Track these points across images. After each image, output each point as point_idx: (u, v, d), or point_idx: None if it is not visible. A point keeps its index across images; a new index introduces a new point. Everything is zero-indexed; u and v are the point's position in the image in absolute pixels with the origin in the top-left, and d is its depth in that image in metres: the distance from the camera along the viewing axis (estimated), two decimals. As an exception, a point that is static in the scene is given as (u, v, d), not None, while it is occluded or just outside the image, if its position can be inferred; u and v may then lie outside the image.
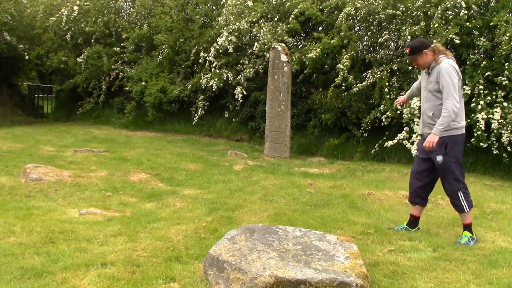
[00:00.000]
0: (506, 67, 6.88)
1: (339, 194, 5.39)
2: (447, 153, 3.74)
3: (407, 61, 7.35)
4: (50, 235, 3.51)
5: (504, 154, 6.90)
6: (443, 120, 3.65)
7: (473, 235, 3.85)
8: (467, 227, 3.89)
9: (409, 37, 7.77)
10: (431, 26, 7.42)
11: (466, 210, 3.83)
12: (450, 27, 7.23)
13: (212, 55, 10.09)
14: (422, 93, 3.96)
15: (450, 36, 7.13)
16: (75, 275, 2.80)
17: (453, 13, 7.33)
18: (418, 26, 7.70)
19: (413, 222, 4.13)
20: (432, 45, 3.87)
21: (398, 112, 7.79)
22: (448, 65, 3.71)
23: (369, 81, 8.32)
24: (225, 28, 9.95)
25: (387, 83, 8.10)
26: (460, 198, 3.80)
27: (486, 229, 4.24)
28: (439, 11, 7.35)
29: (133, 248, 3.31)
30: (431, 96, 3.82)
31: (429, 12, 7.52)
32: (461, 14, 7.18)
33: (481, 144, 6.92)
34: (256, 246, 2.93)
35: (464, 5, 7.19)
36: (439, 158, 3.76)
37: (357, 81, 8.43)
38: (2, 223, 3.74)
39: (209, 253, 2.87)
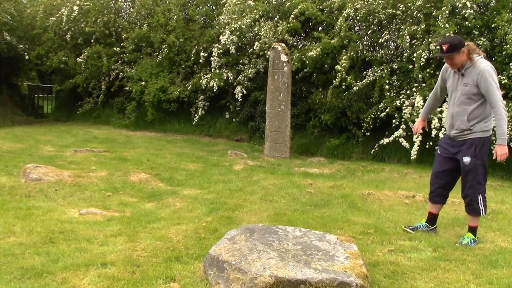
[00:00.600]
0: (510, 66, 6.87)
1: (339, 194, 5.39)
2: (476, 155, 3.66)
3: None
4: (50, 235, 3.51)
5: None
6: (503, 127, 3.54)
7: (475, 238, 3.83)
8: (473, 230, 3.84)
9: (407, 36, 7.77)
10: (436, 24, 7.39)
11: (482, 214, 3.76)
12: (448, 26, 7.23)
13: (216, 55, 10.08)
14: (453, 95, 3.77)
15: (449, 33, 7.12)
16: (75, 275, 2.80)
17: (457, 11, 7.33)
18: (418, 26, 7.69)
19: (433, 220, 4.09)
20: (466, 43, 3.66)
21: (402, 109, 7.78)
22: (488, 67, 3.57)
23: (369, 79, 8.32)
24: (227, 27, 9.95)
25: (387, 81, 8.11)
26: (479, 201, 3.72)
27: (486, 229, 4.23)
28: (444, 11, 7.32)
29: (133, 248, 3.31)
30: (465, 99, 3.65)
31: (433, 13, 7.51)
32: (467, 14, 7.16)
33: None
34: (256, 246, 2.93)
35: (469, 5, 7.18)
36: (467, 159, 3.68)
37: (357, 81, 8.44)
38: (2, 223, 3.74)
39: (209, 253, 2.87)
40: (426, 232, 4.04)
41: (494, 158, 3.65)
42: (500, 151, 3.59)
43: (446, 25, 7.24)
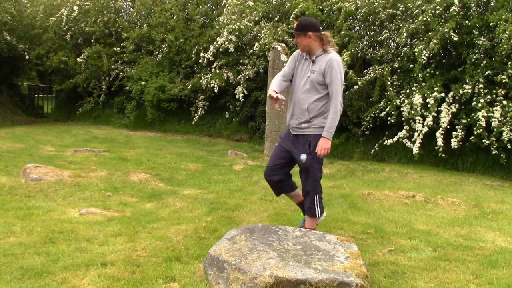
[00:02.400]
0: (510, 65, 6.88)
1: (339, 194, 5.39)
2: (311, 153, 3.43)
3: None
4: (50, 235, 3.51)
5: (502, 155, 6.90)
6: (333, 122, 3.36)
7: None
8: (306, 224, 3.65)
9: (405, 33, 7.78)
10: (426, 19, 7.40)
11: (318, 216, 3.55)
12: (448, 24, 7.24)
13: (211, 54, 10.10)
14: (298, 81, 3.53)
15: (446, 31, 7.13)
16: (75, 275, 2.80)
17: (453, 9, 7.34)
18: (415, 23, 7.69)
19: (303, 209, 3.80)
20: (322, 33, 3.45)
21: (400, 109, 7.79)
22: (339, 59, 3.40)
23: (370, 76, 8.33)
24: (225, 27, 9.95)
25: (389, 77, 8.11)
26: (316, 202, 3.51)
27: (486, 229, 4.24)
28: (431, 6, 7.35)
29: (133, 248, 3.31)
30: (309, 87, 3.43)
31: (423, 7, 7.53)
32: (451, 10, 7.19)
33: (483, 141, 6.91)
34: (256, 246, 2.93)
35: (456, 2, 7.20)
36: (303, 157, 3.45)
37: (358, 79, 8.44)
38: (2, 223, 3.74)
39: (209, 253, 2.87)
40: (426, 232, 4.04)
41: (315, 151, 3.40)
42: (322, 145, 3.36)
43: (446, 24, 7.25)
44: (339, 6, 8.77)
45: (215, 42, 10.07)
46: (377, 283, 2.92)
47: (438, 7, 7.34)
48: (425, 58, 7.53)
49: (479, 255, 3.50)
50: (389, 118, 7.92)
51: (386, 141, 7.94)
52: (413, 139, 7.50)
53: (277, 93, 3.41)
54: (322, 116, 3.44)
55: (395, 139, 7.77)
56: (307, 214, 3.62)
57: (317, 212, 3.53)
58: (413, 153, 7.35)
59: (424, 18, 7.38)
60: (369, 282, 2.73)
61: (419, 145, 7.32)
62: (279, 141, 3.76)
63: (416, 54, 7.50)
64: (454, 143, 7.04)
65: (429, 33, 7.52)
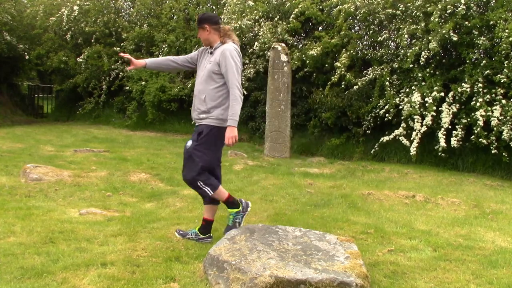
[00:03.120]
0: (506, 65, 6.88)
1: (339, 194, 5.39)
2: (198, 141, 3.46)
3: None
4: (50, 235, 3.51)
5: (504, 153, 6.90)
6: (234, 109, 3.35)
7: (210, 235, 3.61)
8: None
9: (406, 35, 7.78)
10: (431, 20, 7.41)
11: (210, 193, 3.47)
12: (447, 25, 7.24)
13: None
14: (198, 73, 3.61)
15: (445, 31, 7.13)
16: (75, 275, 2.80)
17: (451, 9, 7.34)
18: (418, 26, 7.71)
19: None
20: (221, 26, 3.55)
21: (399, 107, 7.80)
22: (233, 48, 3.45)
23: (369, 77, 8.34)
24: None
25: (388, 78, 8.12)
26: (200, 184, 3.45)
27: (486, 229, 4.24)
28: (439, 7, 7.34)
29: (133, 248, 3.31)
30: (207, 78, 3.48)
31: (428, 8, 7.53)
32: (459, 9, 7.18)
33: (481, 140, 6.91)
34: (256, 246, 2.93)
35: (462, 2, 7.20)
36: (189, 143, 3.53)
37: (357, 80, 8.45)
38: (2, 223, 3.74)
39: (209, 253, 2.87)
40: (426, 232, 4.04)
41: (226, 142, 3.38)
42: (229, 133, 3.34)
43: (446, 24, 7.25)
44: (339, 9, 8.78)
45: None
46: (377, 283, 2.92)
47: (448, 6, 7.32)
48: (423, 60, 7.54)
49: (479, 255, 3.50)
50: (386, 115, 7.93)
51: (382, 139, 7.94)
52: (411, 138, 7.51)
53: (131, 57, 3.67)
54: (221, 107, 3.45)
55: (391, 136, 7.77)
56: (205, 203, 3.63)
57: (208, 191, 3.47)
58: (411, 153, 7.35)
59: (436, 20, 7.30)
60: (369, 282, 2.73)
61: (417, 144, 7.32)
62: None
63: (408, 55, 7.54)
64: (454, 142, 7.04)
65: (431, 33, 7.51)
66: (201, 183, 3.46)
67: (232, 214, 3.64)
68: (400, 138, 7.68)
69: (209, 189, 3.47)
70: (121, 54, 3.98)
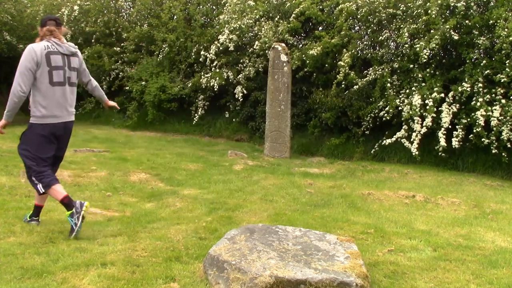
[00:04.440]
0: (507, 64, 6.88)
1: (339, 194, 5.39)
2: (20, 139, 3.69)
3: None
4: (50, 235, 3.51)
5: (503, 154, 6.90)
6: (8, 103, 3.56)
7: (37, 218, 3.80)
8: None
9: (407, 33, 7.77)
10: (429, 13, 7.38)
11: (40, 190, 3.61)
12: (449, 22, 7.24)
13: (213, 53, 10.11)
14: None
15: (447, 28, 7.12)
16: (75, 275, 2.80)
17: (453, 4, 7.33)
18: (418, 23, 7.68)
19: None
20: (42, 28, 3.83)
21: (399, 108, 7.79)
22: (29, 46, 3.61)
23: (370, 77, 8.33)
24: (226, 26, 9.96)
25: (389, 79, 8.11)
26: (34, 181, 3.63)
27: (486, 229, 4.24)
28: (438, 2, 7.34)
29: (133, 248, 3.31)
30: None
31: (428, 4, 7.51)
32: (459, 5, 7.17)
33: (482, 139, 6.91)
34: (256, 246, 2.93)
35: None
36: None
37: (358, 79, 8.45)
38: (2, 223, 3.74)
39: (209, 253, 2.87)
40: (426, 232, 4.04)
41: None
42: None
43: (446, 24, 7.24)
44: (340, 8, 8.77)
45: (216, 42, 10.08)
46: (377, 283, 2.92)
47: (447, 3, 7.32)
48: (426, 56, 7.51)
49: (479, 255, 3.50)
50: (385, 115, 7.92)
51: (384, 141, 7.95)
52: (411, 139, 7.50)
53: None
54: (33, 106, 3.62)
55: (393, 139, 7.77)
56: (36, 191, 3.74)
57: (39, 188, 3.60)
58: (413, 154, 7.34)
59: (434, 14, 7.28)
60: (369, 282, 2.73)
61: (417, 145, 7.32)
62: None
63: (417, 49, 7.46)
64: (455, 142, 7.04)
65: (431, 32, 7.51)
66: (35, 179, 3.63)
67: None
68: (402, 140, 7.68)
69: (40, 185, 3.60)
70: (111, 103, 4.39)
